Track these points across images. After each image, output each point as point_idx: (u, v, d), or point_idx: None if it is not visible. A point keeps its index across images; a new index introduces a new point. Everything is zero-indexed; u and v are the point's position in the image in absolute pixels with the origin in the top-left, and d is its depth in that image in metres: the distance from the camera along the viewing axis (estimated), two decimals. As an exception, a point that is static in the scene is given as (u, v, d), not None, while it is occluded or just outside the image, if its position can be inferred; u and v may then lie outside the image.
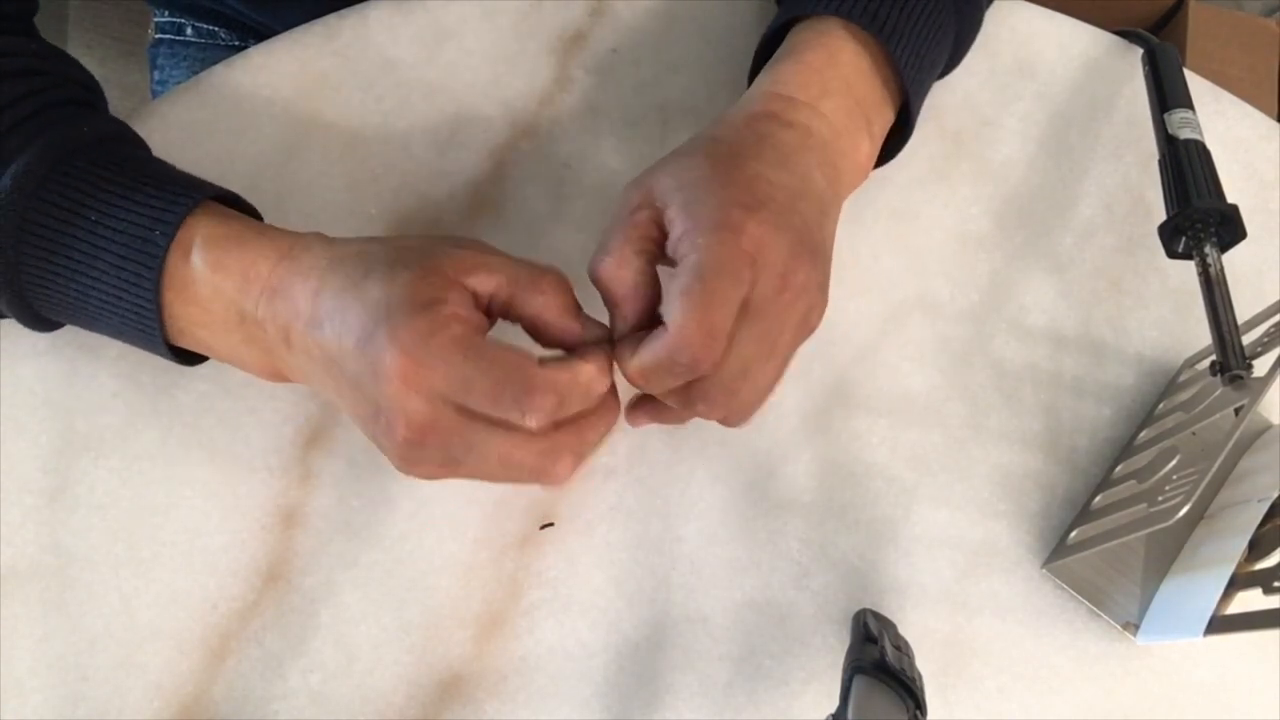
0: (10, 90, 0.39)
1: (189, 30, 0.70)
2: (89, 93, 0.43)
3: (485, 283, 0.37)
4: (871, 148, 0.45)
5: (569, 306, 0.38)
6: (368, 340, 0.35)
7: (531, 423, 0.35)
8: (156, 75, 0.72)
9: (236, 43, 0.69)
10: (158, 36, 0.71)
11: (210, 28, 0.70)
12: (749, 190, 0.38)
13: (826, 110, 0.43)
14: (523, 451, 0.36)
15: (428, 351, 0.34)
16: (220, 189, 0.41)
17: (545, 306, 0.38)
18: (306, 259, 0.38)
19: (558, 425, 0.37)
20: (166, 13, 0.70)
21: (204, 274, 0.38)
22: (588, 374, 0.37)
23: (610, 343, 0.39)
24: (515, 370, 0.35)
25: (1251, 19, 1.19)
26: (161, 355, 0.41)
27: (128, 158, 0.40)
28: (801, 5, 0.45)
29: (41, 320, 0.41)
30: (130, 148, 0.42)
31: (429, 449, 0.35)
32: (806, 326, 0.40)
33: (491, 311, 0.38)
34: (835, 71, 0.44)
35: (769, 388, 0.40)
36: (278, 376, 0.41)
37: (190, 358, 0.42)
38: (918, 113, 0.46)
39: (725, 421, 0.40)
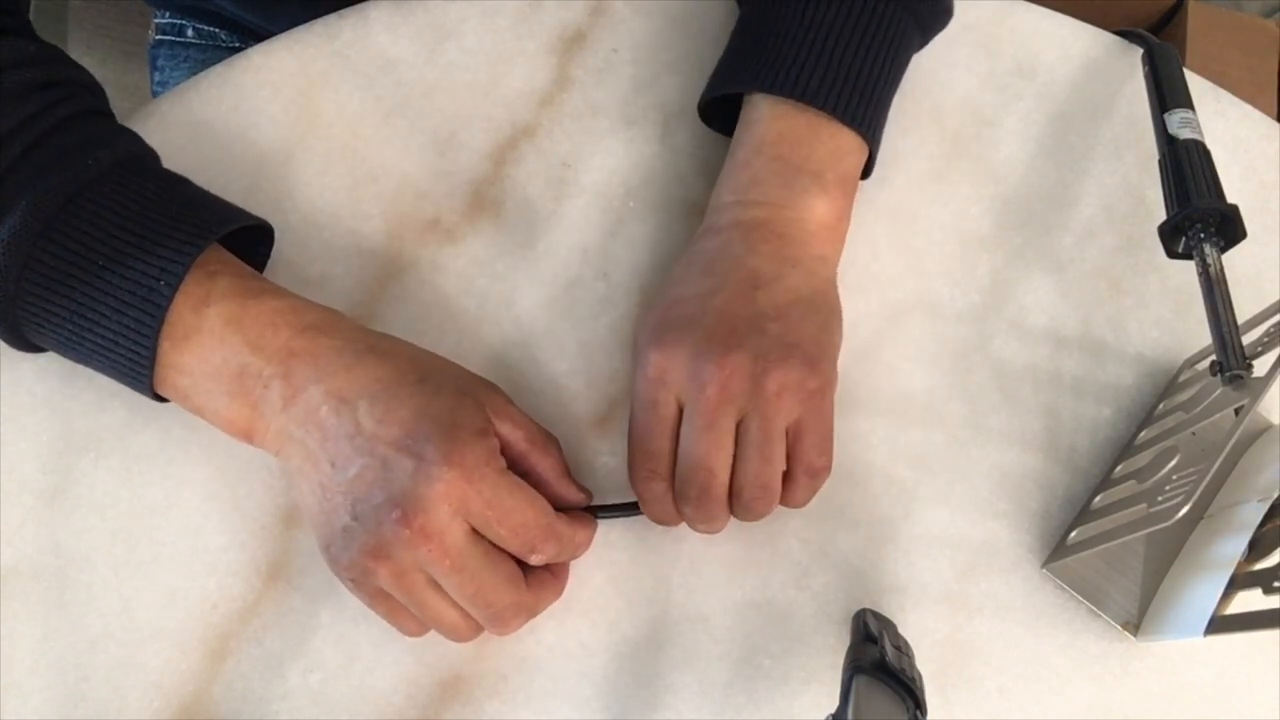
0: (21, 109, 0.39)
1: (189, 31, 0.70)
2: (96, 98, 0.43)
3: (511, 432, 0.40)
4: (829, 200, 0.45)
5: (566, 470, 0.42)
6: (420, 440, 0.37)
7: (535, 561, 0.40)
8: (157, 76, 0.72)
9: (237, 44, 0.69)
10: (158, 38, 0.71)
11: (210, 29, 0.70)
12: (661, 322, 0.42)
13: (756, 197, 0.45)
14: (498, 593, 0.39)
15: (481, 475, 0.37)
16: (232, 221, 0.41)
17: (551, 468, 0.41)
18: (337, 335, 0.40)
19: (529, 583, 0.40)
20: (167, 14, 0.70)
21: (215, 325, 0.39)
22: (584, 537, 0.42)
23: (594, 508, 0.44)
24: (544, 513, 0.39)
25: (1251, 19, 1.19)
26: (144, 395, 0.41)
27: (139, 190, 0.40)
28: (725, 83, 0.47)
29: (32, 347, 0.41)
30: (142, 174, 0.41)
31: (412, 553, 0.37)
32: (775, 377, 0.40)
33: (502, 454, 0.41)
34: (763, 154, 0.45)
35: (815, 443, 0.42)
36: (245, 435, 0.41)
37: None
38: (877, 145, 0.47)
39: (816, 475, 0.43)
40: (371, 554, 0.37)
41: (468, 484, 0.37)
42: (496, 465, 0.38)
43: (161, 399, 0.41)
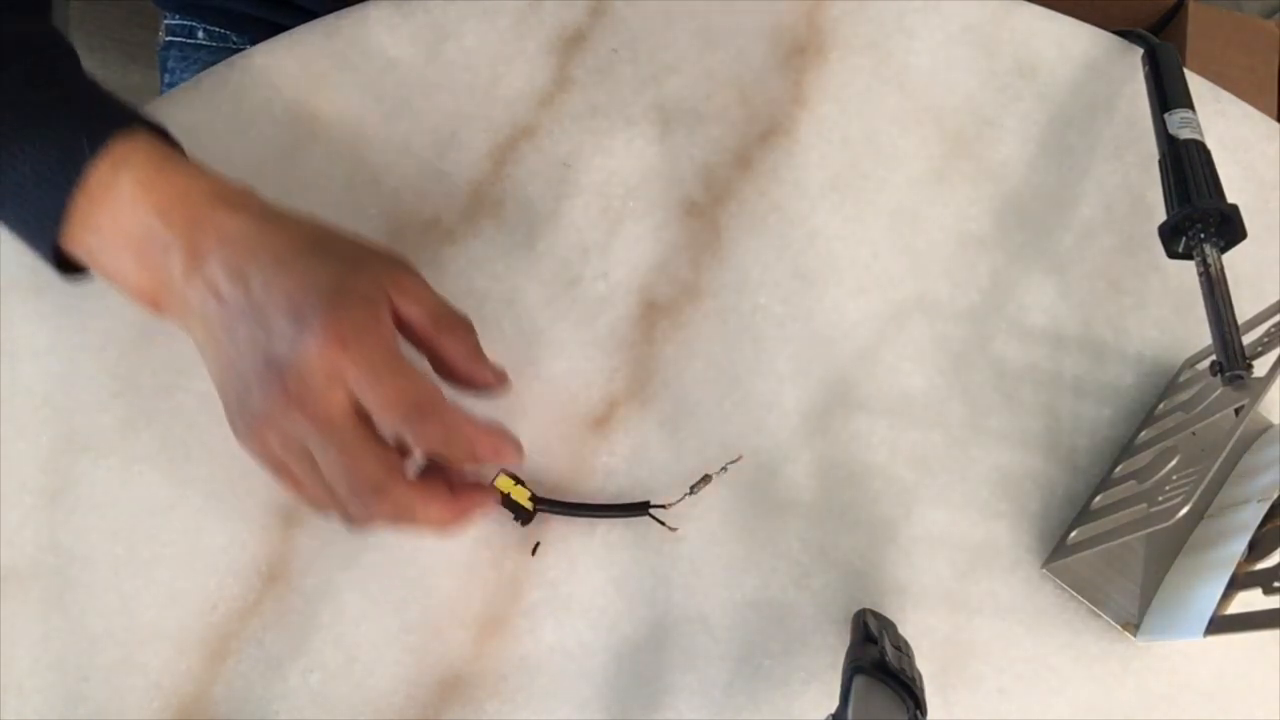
0: None
1: (200, 33, 0.70)
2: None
3: (411, 310, 0.39)
4: None
5: (477, 352, 0.41)
6: (303, 308, 0.36)
7: (419, 443, 0.37)
8: (167, 78, 0.72)
9: (248, 46, 0.69)
10: (168, 39, 0.71)
11: (222, 30, 0.69)
12: None
13: None
14: (366, 471, 0.37)
15: (358, 340, 0.36)
16: (151, 121, 0.41)
17: (459, 351, 0.40)
18: (244, 210, 0.39)
19: (414, 485, 0.38)
20: (177, 15, 0.70)
21: (127, 187, 0.38)
22: (479, 429, 0.39)
23: (597, 507, 0.43)
24: (423, 390, 0.37)
25: (1251, 20, 1.19)
26: (44, 257, 0.40)
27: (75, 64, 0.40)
28: None
29: None
30: (66, 61, 0.41)
31: (291, 421, 0.36)
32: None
33: (405, 335, 0.39)
34: None
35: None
36: (152, 303, 0.40)
37: (65, 265, 0.41)
38: None
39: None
40: (260, 421, 0.37)
41: (342, 349, 0.36)
42: (378, 334, 0.37)
43: (64, 267, 0.40)
